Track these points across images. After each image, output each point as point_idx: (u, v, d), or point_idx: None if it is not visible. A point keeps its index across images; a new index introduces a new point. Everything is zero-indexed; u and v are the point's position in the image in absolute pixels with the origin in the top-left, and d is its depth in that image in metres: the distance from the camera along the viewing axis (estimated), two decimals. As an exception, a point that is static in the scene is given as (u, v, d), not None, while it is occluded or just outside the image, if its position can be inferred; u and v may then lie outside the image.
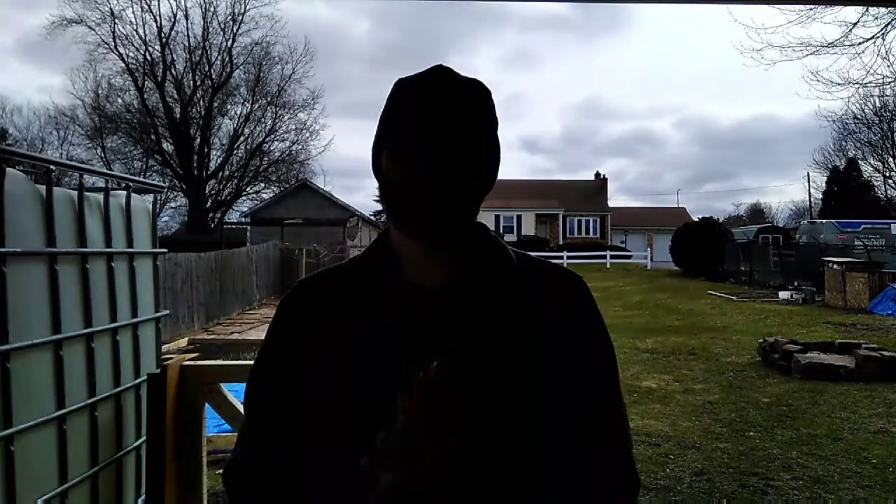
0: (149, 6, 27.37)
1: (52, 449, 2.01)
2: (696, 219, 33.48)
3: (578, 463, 0.91)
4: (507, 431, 0.87)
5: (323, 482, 0.90)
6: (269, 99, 30.60)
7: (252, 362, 1.04)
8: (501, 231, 37.63)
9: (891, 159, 31.86)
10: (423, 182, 0.86)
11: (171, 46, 28.34)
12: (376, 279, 0.95)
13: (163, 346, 3.11)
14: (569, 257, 30.86)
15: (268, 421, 0.97)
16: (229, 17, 28.56)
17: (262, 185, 32.53)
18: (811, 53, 9.88)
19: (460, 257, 0.95)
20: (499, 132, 0.95)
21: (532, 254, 1.06)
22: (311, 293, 1.00)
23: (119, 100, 28.87)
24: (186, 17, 28.40)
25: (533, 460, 0.88)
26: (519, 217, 39.66)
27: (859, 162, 34.45)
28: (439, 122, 0.87)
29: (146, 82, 28.14)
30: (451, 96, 0.89)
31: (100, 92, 28.62)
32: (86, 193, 2.29)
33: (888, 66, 10.13)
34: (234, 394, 2.28)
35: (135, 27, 27.70)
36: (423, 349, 0.87)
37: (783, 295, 17.21)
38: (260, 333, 11.66)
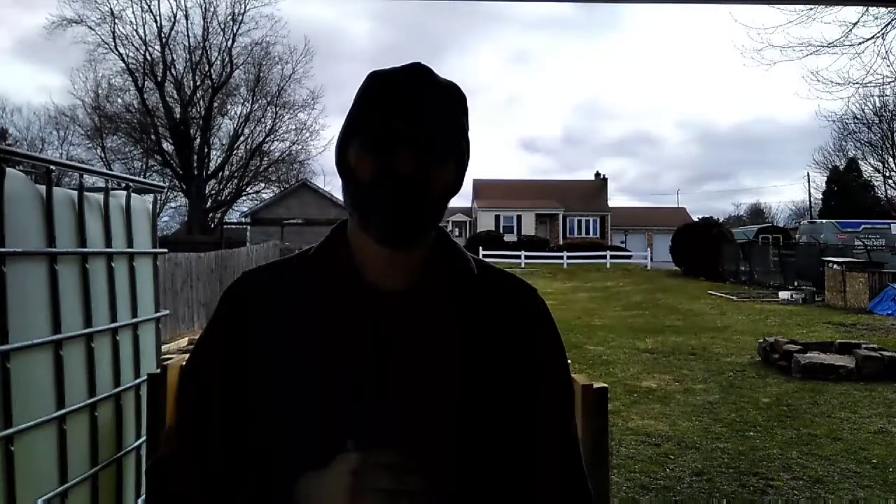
0: (149, 6, 27.38)
1: (52, 449, 2.01)
2: (696, 219, 33.48)
3: (528, 474, 0.91)
4: (452, 437, 0.86)
5: (282, 481, 0.85)
6: (269, 99, 30.62)
7: None
8: (501, 231, 37.63)
9: (891, 159, 31.85)
10: (398, 185, 0.83)
11: (171, 46, 28.35)
12: (332, 278, 0.91)
13: (163, 346, 3.11)
14: (569, 257, 30.84)
15: (204, 420, 0.91)
16: (229, 17, 28.57)
17: (262, 185, 32.56)
18: (811, 53, 9.89)
19: (421, 262, 0.92)
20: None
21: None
22: (260, 287, 0.94)
23: (119, 100, 28.89)
24: (186, 17, 28.41)
25: (478, 467, 0.87)
26: (519, 217, 39.64)
27: (859, 162, 34.52)
28: (419, 119, 0.84)
29: (146, 82, 28.14)
30: (431, 94, 0.86)
31: (100, 92, 28.65)
32: (86, 193, 2.29)
33: (888, 66, 10.14)
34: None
35: (135, 27, 27.70)
36: (380, 352, 0.86)
37: (783, 295, 17.20)
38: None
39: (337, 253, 0.94)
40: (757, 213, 58.19)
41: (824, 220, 25.62)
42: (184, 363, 2.27)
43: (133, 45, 27.62)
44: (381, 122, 0.84)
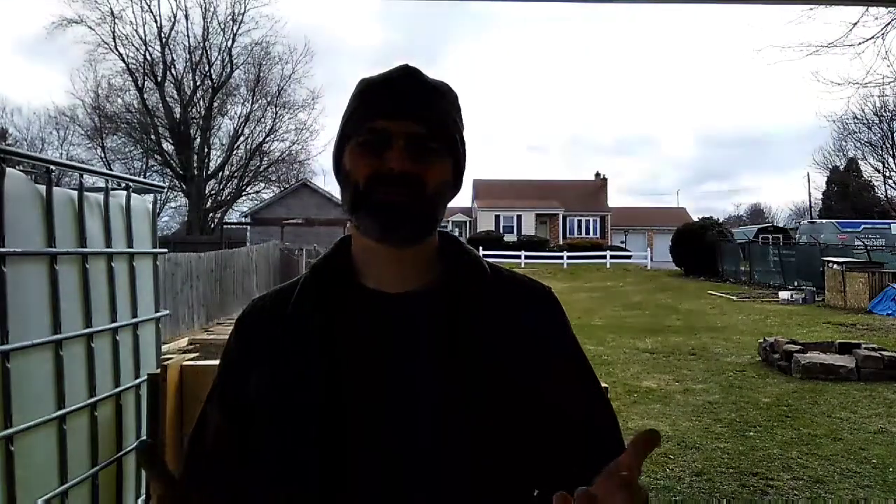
0: (149, 6, 27.38)
1: (52, 449, 2.01)
2: (696, 219, 33.46)
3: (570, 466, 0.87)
4: (472, 441, 0.83)
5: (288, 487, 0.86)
6: (269, 99, 30.63)
7: None
8: (501, 231, 37.62)
9: (891, 159, 31.84)
10: (391, 184, 0.83)
11: (171, 46, 28.37)
12: (336, 287, 0.90)
13: (163, 346, 3.11)
14: (569, 257, 30.84)
15: (221, 441, 0.93)
16: (229, 17, 28.58)
17: (262, 185, 32.57)
18: (811, 53, 9.88)
19: (427, 264, 0.91)
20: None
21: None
22: (268, 309, 0.95)
23: (119, 100, 28.89)
24: (186, 17, 28.45)
25: (495, 470, 0.84)
26: (519, 217, 39.62)
27: (859, 162, 34.51)
28: (409, 119, 0.84)
29: (146, 82, 28.14)
30: (420, 94, 0.87)
31: (100, 92, 28.64)
32: (86, 193, 2.29)
33: (888, 66, 10.15)
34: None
35: (135, 27, 27.73)
36: (386, 357, 0.85)
37: (783, 295, 17.20)
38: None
39: (339, 262, 0.94)
40: (757, 213, 58.25)
41: (824, 220, 25.67)
42: (186, 363, 2.28)
43: (133, 45, 27.65)
44: (370, 123, 0.85)
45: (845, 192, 34.19)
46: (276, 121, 30.98)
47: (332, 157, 0.92)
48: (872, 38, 9.38)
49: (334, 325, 0.88)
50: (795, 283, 18.59)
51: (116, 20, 26.85)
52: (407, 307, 0.88)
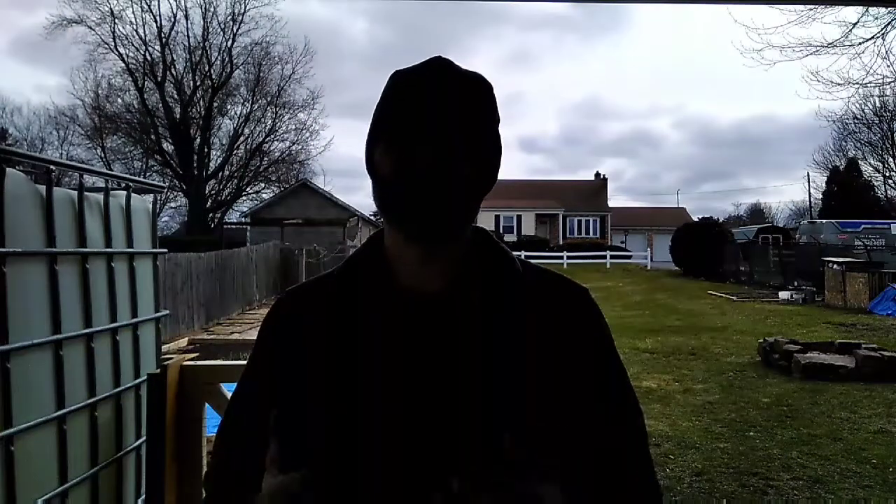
0: (149, 6, 27.42)
1: (52, 449, 2.01)
2: (695, 219, 33.47)
3: (598, 475, 0.88)
4: (480, 440, 0.83)
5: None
6: (269, 99, 30.66)
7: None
8: (501, 231, 37.63)
9: (891, 159, 31.88)
10: (420, 178, 0.81)
11: (171, 46, 28.40)
12: (369, 284, 0.90)
13: (163, 346, 3.11)
14: (569, 257, 30.85)
15: (247, 430, 0.94)
16: (229, 17, 28.63)
17: (262, 185, 32.58)
18: (811, 53, 9.88)
19: (459, 261, 0.90)
20: (498, 131, 0.90)
21: (535, 261, 1.03)
22: (301, 303, 0.96)
23: (119, 100, 28.93)
24: (186, 17, 28.46)
25: (520, 470, 0.84)
26: (519, 217, 39.66)
27: (859, 162, 34.52)
28: (439, 114, 0.83)
29: (146, 82, 28.17)
30: (451, 88, 0.85)
31: (100, 92, 28.69)
32: (86, 193, 2.29)
33: (888, 66, 10.13)
34: (234, 394, 2.28)
35: (135, 27, 27.74)
36: (417, 355, 0.84)
37: (783, 295, 17.22)
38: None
39: (371, 259, 0.93)
40: (757, 213, 58.22)
41: (824, 220, 25.63)
42: (186, 363, 2.27)
43: (133, 45, 27.69)
44: (399, 121, 0.84)
45: (845, 192, 34.16)
46: (276, 121, 31.04)
47: (364, 154, 0.91)
48: (872, 38, 9.40)
49: (367, 324, 0.88)
50: (795, 283, 18.59)
51: (116, 20, 26.92)
52: (438, 308, 0.87)
